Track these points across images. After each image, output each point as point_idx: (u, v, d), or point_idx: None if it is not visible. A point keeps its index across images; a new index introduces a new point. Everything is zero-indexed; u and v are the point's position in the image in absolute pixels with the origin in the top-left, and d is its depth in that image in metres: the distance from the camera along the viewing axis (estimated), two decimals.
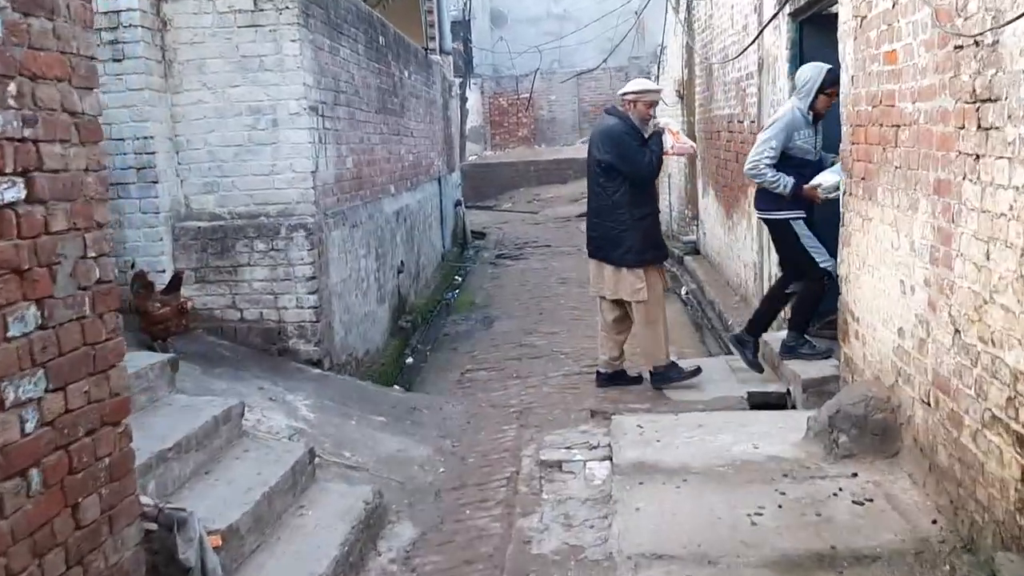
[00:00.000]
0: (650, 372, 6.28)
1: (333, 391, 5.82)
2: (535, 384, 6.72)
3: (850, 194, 5.18)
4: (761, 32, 7.06)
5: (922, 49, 3.87)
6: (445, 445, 5.35)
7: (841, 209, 5.37)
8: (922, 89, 3.88)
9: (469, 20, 26.60)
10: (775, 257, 7.10)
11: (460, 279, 12.96)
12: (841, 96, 5.29)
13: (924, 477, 3.94)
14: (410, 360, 8.44)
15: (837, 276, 5.45)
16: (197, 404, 4.46)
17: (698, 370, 6.23)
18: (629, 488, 4.15)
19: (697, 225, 12.36)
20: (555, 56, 25.14)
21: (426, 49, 13.24)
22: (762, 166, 5.81)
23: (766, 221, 6.12)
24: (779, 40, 6.87)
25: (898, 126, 4.25)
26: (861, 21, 4.72)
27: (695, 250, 12.46)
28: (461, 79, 24.72)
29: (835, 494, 3.96)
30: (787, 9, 6.55)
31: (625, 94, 6.16)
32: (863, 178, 4.89)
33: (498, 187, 23.63)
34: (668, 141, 6.09)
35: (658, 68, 15.49)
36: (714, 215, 10.79)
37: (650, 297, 6.07)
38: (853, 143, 5.07)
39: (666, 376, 6.19)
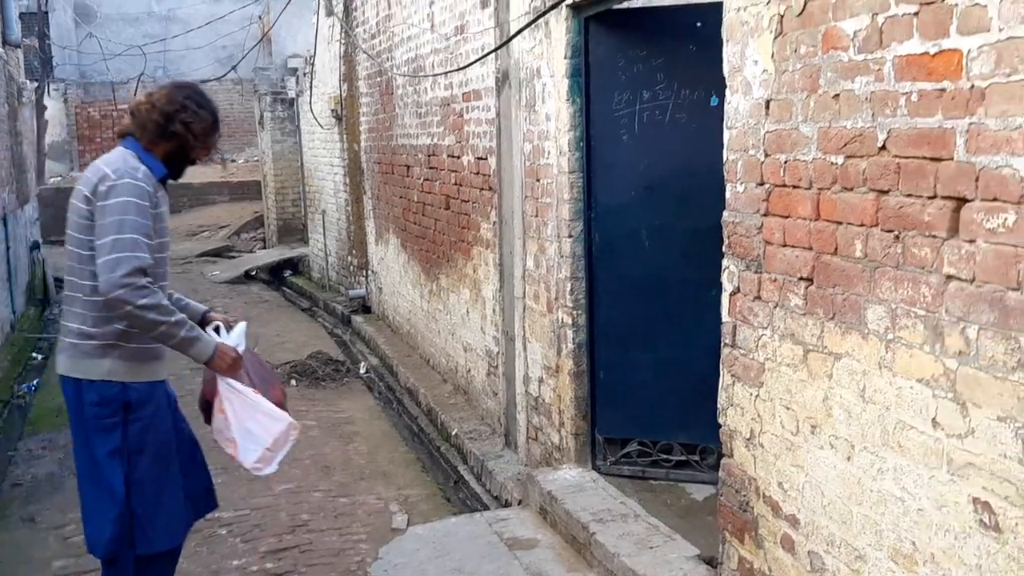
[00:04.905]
0: None
1: None
2: None
3: (757, 296, 3.10)
4: (518, 34, 4.83)
5: None
6: None
7: (728, 317, 3.29)
8: None
9: (47, 12, 21.68)
10: (536, 350, 4.91)
11: (40, 357, 9.21)
12: (728, 134, 3.21)
13: None
14: None
15: None
16: None
17: None
18: None
19: (367, 277, 9.92)
20: (159, 62, 21.35)
21: None
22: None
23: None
24: (545, 47, 4.69)
25: (958, 199, 2.22)
26: None
27: (365, 307, 10.03)
28: (37, 83, 19.95)
29: None
30: None
31: None
32: (807, 280, 2.83)
33: None
34: None
35: (300, 82, 12.80)
36: (399, 271, 8.42)
37: None
38: (768, 215, 3.00)
39: None
